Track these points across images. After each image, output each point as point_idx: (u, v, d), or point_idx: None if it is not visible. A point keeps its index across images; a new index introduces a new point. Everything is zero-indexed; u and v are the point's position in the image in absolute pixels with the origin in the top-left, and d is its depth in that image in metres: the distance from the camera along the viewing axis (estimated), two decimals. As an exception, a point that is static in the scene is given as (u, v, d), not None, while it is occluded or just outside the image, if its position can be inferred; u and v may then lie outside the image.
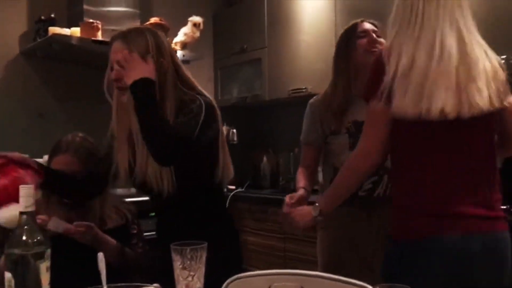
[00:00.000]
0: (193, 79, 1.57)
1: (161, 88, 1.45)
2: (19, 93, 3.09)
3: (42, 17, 3.00)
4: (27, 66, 3.15)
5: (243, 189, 3.51)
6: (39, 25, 3.00)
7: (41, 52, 3.04)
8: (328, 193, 1.59)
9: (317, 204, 1.58)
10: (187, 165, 1.47)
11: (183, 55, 3.40)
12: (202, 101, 1.47)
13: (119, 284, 0.87)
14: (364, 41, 1.84)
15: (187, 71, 1.57)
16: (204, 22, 3.43)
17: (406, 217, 1.35)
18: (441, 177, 1.33)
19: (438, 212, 1.31)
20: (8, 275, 0.93)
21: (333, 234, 1.91)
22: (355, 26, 1.89)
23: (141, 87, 1.37)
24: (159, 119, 1.38)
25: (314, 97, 1.98)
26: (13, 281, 0.92)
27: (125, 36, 1.48)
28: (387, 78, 1.31)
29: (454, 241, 1.28)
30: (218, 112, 1.55)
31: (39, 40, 2.95)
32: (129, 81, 1.38)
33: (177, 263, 0.92)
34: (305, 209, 1.65)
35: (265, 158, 3.68)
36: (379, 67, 1.35)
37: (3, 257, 1.34)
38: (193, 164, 1.48)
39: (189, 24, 3.38)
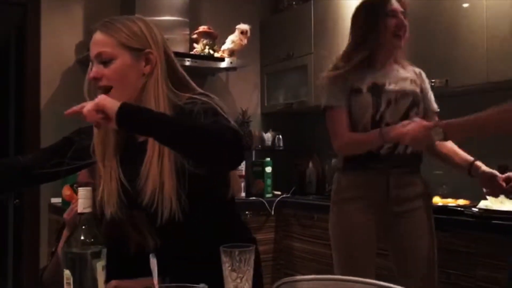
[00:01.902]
0: (189, 79, 1.33)
1: (148, 85, 1.24)
2: (76, 99, 3.22)
3: (97, 27, 3.13)
4: (83, 74, 3.27)
5: (288, 195, 3.52)
6: (94, 35, 3.13)
7: (96, 61, 3.16)
8: (464, 122, 1.60)
9: (440, 129, 1.61)
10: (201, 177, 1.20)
11: (231, 62, 3.46)
12: (205, 99, 1.23)
13: (171, 284, 0.90)
14: (393, 22, 1.86)
15: (182, 70, 1.33)
16: (251, 30, 3.48)
17: None
18: None
19: None
20: (67, 272, 0.98)
21: (348, 207, 1.91)
22: (384, 2, 1.88)
23: (131, 113, 1.07)
24: (189, 122, 1.14)
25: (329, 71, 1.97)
26: (71, 278, 0.97)
27: (106, 25, 1.26)
28: None
29: None
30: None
31: (93, 49, 3.08)
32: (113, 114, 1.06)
33: (226, 265, 0.94)
34: (421, 130, 1.67)
35: (310, 164, 3.67)
36: None
37: (57, 254, 1.41)
38: (206, 176, 1.21)
39: (237, 32, 3.44)
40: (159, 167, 1.20)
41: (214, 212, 1.32)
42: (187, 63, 3.20)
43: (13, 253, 3.69)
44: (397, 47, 1.91)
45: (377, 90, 1.89)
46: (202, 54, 3.38)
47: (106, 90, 1.25)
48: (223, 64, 3.46)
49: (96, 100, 1.08)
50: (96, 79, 1.26)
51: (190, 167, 1.20)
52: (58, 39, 3.26)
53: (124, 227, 1.28)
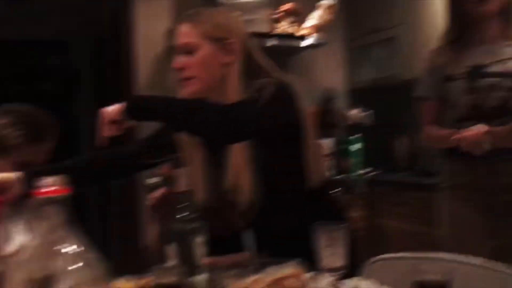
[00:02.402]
0: (268, 65, 1.34)
1: (228, 75, 1.29)
2: (167, 87, 3.36)
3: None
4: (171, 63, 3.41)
5: (378, 172, 3.44)
6: (182, 21, 3.24)
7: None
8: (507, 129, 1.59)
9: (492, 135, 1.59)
10: (271, 162, 1.27)
11: (315, 40, 3.41)
12: (272, 83, 1.23)
13: (265, 260, 0.93)
14: None
15: (263, 57, 1.35)
16: (335, 4, 3.41)
17: None
18: None
19: None
20: (169, 247, 1.05)
21: (454, 196, 1.85)
22: None
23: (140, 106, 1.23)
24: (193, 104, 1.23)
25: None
26: (173, 252, 1.04)
27: (192, 18, 1.32)
28: None
29: None
30: (295, 98, 1.27)
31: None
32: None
33: (320, 242, 0.95)
34: (479, 135, 1.64)
35: (401, 140, 3.56)
36: None
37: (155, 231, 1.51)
38: (277, 161, 1.28)
39: (321, 8, 3.38)
40: (238, 155, 1.26)
41: (298, 195, 1.33)
42: (270, 43, 3.20)
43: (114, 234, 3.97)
44: (483, 14, 1.79)
45: (476, 73, 1.79)
46: (284, 33, 3.37)
47: (188, 80, 1.30)
48: (307, 42, 3.41)
49: None
50: (179, 69, 1.31)
51: (261, 153, 1.24)
52: (150, 28, 3.39)
53: (210, 212, 1.32)
